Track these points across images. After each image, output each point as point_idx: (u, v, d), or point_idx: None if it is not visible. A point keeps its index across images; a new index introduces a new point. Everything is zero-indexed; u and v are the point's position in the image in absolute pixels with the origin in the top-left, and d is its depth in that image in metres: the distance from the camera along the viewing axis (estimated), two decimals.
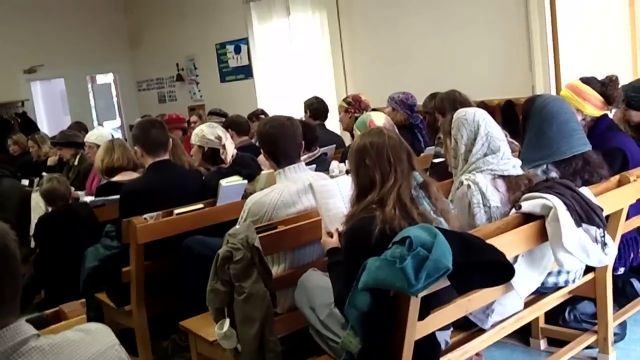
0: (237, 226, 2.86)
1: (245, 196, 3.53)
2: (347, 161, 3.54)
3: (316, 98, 6.13)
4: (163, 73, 10.77)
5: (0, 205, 5.29)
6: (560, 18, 5.72)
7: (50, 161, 6.50)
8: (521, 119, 3.36)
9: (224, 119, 6.18)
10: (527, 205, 2.62)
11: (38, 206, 4.75)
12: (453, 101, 4.30)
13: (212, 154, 4.20)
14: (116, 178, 4.32)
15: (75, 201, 4.58)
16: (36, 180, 5.80)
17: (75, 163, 5.94)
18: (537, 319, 3.29)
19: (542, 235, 2.58)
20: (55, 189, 4.35)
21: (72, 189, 4.71)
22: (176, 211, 3.52)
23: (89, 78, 11.75)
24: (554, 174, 3.08)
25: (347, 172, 3.27)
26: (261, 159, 4.09)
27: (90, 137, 5.59)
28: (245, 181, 3.80)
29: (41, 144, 7.09)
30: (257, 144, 4.84)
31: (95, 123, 11.04)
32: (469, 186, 2.75)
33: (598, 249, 2.62)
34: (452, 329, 2.65)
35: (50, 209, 4.47)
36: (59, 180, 4.41)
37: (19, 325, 1.26)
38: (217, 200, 3.68)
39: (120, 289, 3.65)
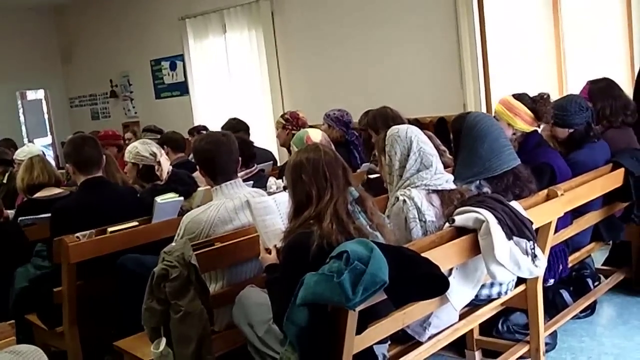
0: (173, 243, 2.83)
1: (182, 213, 3.49)
2: (284, 177, 3.55)
3: (233, 119, 6.10)
4: (96, 89, 10.56)
5: None
6: (490, 38, 5.91)
7: None
8: (452, 136, 3.44)
9: (159, 136, 6.11)
10: (460, 219, 2.68)
11: None
12: (385, 118, 4.38)
13: (146, 171, 4.13)
14: (38, 195, 4.21)
15: (4, 220, 4.42)
16: None
17: (4, 181, 5.76)
18: (471, 330, 3.35)
19: (475, 248, 2.64)
20: None
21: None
22: (110, 229, 3.45)
23: (19, 94, 11.41)
24: (486, 189, 3.16)
25: (285, 189, 3.27)
26: (197, 175, 4.05)
27: (19, 154, 5.43)
28: (182, 198, 3.76)
29: None
30: (193, 160, 4.80)
31: (26, 140, 10.72)
32: (404, 201, 2.79)
33: (529, 261, 2.70)
34: (389, 342, 2.68)
35: None
36: None
37: None
38: (153, 217, 3.62)
39: (51, 310, 3.53)
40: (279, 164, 5.84)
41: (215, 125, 6.82)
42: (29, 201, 4.22)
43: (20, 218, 4.15)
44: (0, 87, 10.30)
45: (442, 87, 6.32)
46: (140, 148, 4.14)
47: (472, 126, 3.23)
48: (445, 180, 2.89)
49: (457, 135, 3.35)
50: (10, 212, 4.71)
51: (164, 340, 2.65)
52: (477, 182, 3.19)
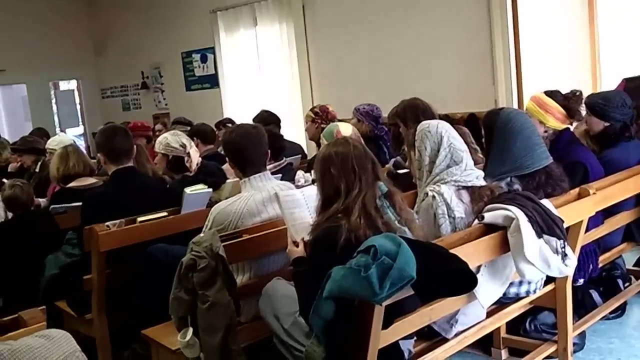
0: (202, 234, 2.84)
1: (210, 205, 3.51)
2: (312, 171, 3.55)
3: (265, 111, 6.12)
4: (128, 80, 10.66)
5: None
6: (523, 33, 5.83)
7: (11, 167, 6.37)
8: (483, 132, 3.41)
9: (188, 128, 6.14)
10: (489, 216, 2.66)
11: None
12: (415, 109, 4.32)
13: (176, 162, 4.16)
14: (72, 184, 4.27)
15: (36, 208, 4.50)
16: None
17: (37, 170, 5.84)
18: (498, 328, 3.33)
19: (504, 246, 2.62)
20: (17, 196, 4.26)
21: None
22: (139, 219, 3.49)
23: (52, 84, 11.56)
24: (517, 186, 3.12)
25: (313, 182, 3.28)
26: (227, 167, 4.07)
27: (51, 144, 5.50)
28: (210, 190, 3.78)
29: (1, 150, 6.95)
30: (222, 152, 4.82)
31: (58, 130, 10.86)
32: (434, 197, 2.77)
33: (558, 259, 2.67)
34: (415, 338, 2.67)
35: (10, 215, 4.38)
36: (21, 188, 4.31)
37: None
38: (182, 208, 3.65)
39: (81, 297, 3.59)
40: (307, 158, 5.84)
41: (244, 118, 6.84)
42: (63, 190, 4.27)
43: (52, 206, 4.21)
44: (34, 78, 10.46)
45: (473, 82, 6.26)
46: (170, 139, 4.17)
47: (505, 122, 3.20)
48: (476, 177, 2.86)
49: (489, 132, 3.31)
50: (42, 201, 4.80)
51: (190, 330, 2.67)
52: (508, 179, 3.16)
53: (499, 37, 5.99)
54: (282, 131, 5.67)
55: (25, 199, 4.30)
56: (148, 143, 6.42)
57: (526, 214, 2.61)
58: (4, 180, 5.32)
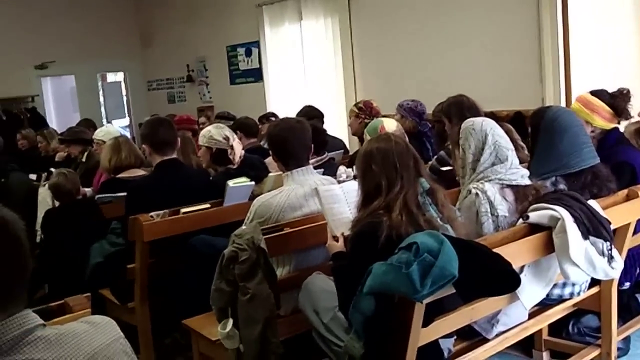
0: (243, 227, 2.87)
1: (252, 197, 3.53)
2: (354, 166, 3.54)
3: (308, 106, 6.13)
4: (173, 73, 10.79)
5: (7, 199, 5.29)
6: (573, 31, 5.71)
7: (59, 157, 6.51)
8: (530, 130, 3.36)
9: (231, 122, 6.19)
10: (534, 216, 2.61)
11: (45, 201, 4.76)
12: (460, 106, 4.26)
13: (219, 155, 4.20)
14: (122, 175, 4.34)
15: (82, 197, 4.59)
16: (43, 175, 5.83)
17: (83, 160, 5.96)
18: (540, 330, 3.28)
19: (549, 247, 2.57)
20: (62, 184, 4.35)
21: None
22: (183, 210, 3.53)
23: (100, 76, 11.78)
24: (562, 186, 3.07)
25: (355, 177, 3.27)
26: (269, 161, 4.10)
27: (98, 134, 5.62)
28: (253, 182, 3.81)
29: (49, 140, 7.12)
30: (265, 146, 4.85)
31: (105, 121, 11.06)
32: (477, 195, 2.74)
33: (604, 262, 2.61)
34: (455, 337, 2.65)
35: (57, 204, 4.48)
36: (67, 176, 4.41)
37: (26, 314, 1.27)
38: (224, 200, 3.68)
39: (124, 285, 3.65)
40: (349, 153, 5.83)
41: (287, 112, 6.87)
42: (112, 180, 4.35)
43: (98, 196, 4.29)
44: (82, 69, 10.67)
45: (520, 79, 6.15)
46: (213, 132, 4.21)
47: (552, 120, 3.14)
48: (521, 175, 2.82)
49: (535, 130, 3.26)
50: (88, 190, 4.90)
51: (230, 321, 2.69)
52: (553, 178, 3.10)
53: (548, 34, 5.87)
54: (325, 126, 5.67)
55: (70, 188, 4.39)
56: (193, 136, 6.49)
57: (572, 215, 2.56)
58: (52, 169, 5.45)
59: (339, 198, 2.80)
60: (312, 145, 3.35)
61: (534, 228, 2.60)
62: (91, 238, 4.05)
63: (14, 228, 1.28)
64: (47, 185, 4.56)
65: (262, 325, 2.62)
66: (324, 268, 2.91)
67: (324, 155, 4.52)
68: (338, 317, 2.54)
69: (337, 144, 5.68)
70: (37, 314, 1.32)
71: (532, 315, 2.87)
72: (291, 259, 3.08)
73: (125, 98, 11.93)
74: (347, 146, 6.33)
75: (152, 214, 3.44)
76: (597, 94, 3.63)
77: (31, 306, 1.31)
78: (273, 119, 6.29)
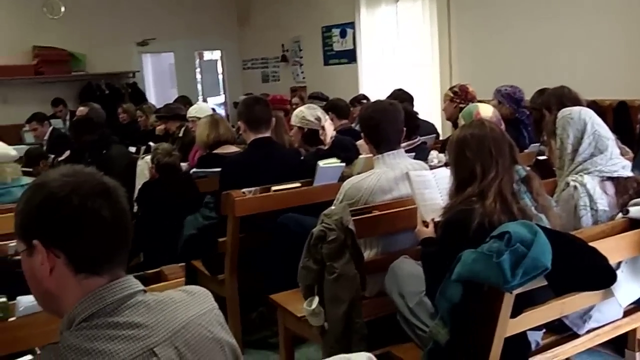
0: (333, 207, 2.89)
1: (342, 179, 3.55)
2: (446, 152, 3.49)
3: (399, 89, 6.06)
4: (268, 53, 10.94)
5: (108, 170, 5.48)
6: None
7: (158, 131, 6.72)
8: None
9: (324, 103, 6.22)
10: (635, 210, 2.51)
11: (143, 173, 4.93)
12: (560, 97, 4.11)
13: (311, 135, 4.24)
14: (217, 150, 4.45)
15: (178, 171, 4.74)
16: (142, 148, 6.05)
17: (180, 135, 6.14)
18: (634, 330, 3.15)
19: None
20: (175, 165, 4.49)
21: None
22: (274, 188, 3.59)
23: (197, 54, 12.08)
24: None
25: (446, 165, 3.22)
26: (360, 143, 4.10)
27: (191, 112, 5.79)
28: (343, 164, 3.82)
29: (148, 115, 7.38)
30: (356, 128, 4.85)
31: (200, 98, 11.36)
32: (575, 187, 2.65)
33: None
34: (544, 330, 2.59)
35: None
36: (177, 156, 4.56)
37: (128, 279, 1.33)
38: (314, 180, 3.72)
39: (215, 258, 3.76)
40: (441, 138, 5.75)
41: (379, 94, 6.83)
42: (209, 155, 4.47)
43: (193, 170, 4.42)
44: (181, 47, 10.98)
45: (625, 68, 5.86)
46: (306, 112, 4.25)
47: None
48: (622, 167, 2.70)
49: None
50: (184, 165, 5.05)
51: (316, 299, 2.73)
52: None
53: None
54: (416, 110, 5.61)
55: (179, 168, 4.53)
56: (285, 116, 6.57)
57: None
58: (151, 143, 5.64)
59: (431, 184, 2.77)
60: (404, 129, 3.32)
61: (633, 223, 2.50)
62: (186, 211, 4.18)
63: (116, 194, 1.34)
64: (148, 159, 4.72)
65: (347, 305, 2.65)
66: (411, 252, 2.90)
67: (416, 139, 4.48)
68: (424, 302, 2.53)
69: (429, 128, 5.62)
70: None
71: (627, 314, 2.77)
72: (378, 242, 3.08)
73: (220, 76, 12.20)
74: (439, 130, 6.24)
75: (244, 190, 3.52)
76: None
77: (128, 272, 1.37)
78: (364, 101, 6.27)
